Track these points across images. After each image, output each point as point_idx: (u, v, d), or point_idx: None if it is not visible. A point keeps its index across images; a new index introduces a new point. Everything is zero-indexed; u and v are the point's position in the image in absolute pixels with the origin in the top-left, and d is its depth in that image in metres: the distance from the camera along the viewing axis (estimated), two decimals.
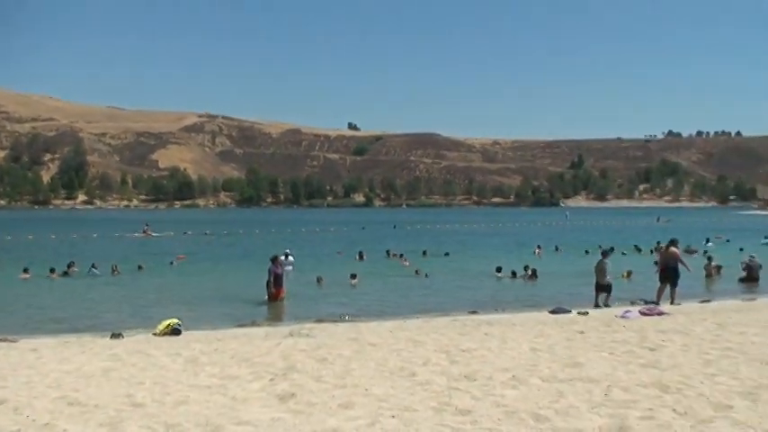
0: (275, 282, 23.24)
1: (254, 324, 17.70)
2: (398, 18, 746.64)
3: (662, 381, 7.27)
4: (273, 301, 22.89)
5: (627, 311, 17.34)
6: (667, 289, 22.21)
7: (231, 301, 23.27)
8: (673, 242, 23.97)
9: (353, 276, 28.56)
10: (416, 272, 31.64)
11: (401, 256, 39.95)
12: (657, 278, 22.63)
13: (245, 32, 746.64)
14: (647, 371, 8.02)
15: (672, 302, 21.45)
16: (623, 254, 42.89)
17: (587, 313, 18.23)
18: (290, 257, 33.59)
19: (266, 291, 23.15)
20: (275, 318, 20.22)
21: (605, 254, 23.79)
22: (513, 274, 31.11)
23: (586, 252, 43.88)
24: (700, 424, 5.64)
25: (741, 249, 42.13)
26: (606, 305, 21.47)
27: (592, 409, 6.47)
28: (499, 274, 30.97)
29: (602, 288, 22.31)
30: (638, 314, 17.03)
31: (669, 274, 22.46)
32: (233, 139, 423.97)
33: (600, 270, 22.66)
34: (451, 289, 27.23)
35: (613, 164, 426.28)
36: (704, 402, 6.23)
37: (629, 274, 31.08)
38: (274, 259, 24.37)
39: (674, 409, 6.06)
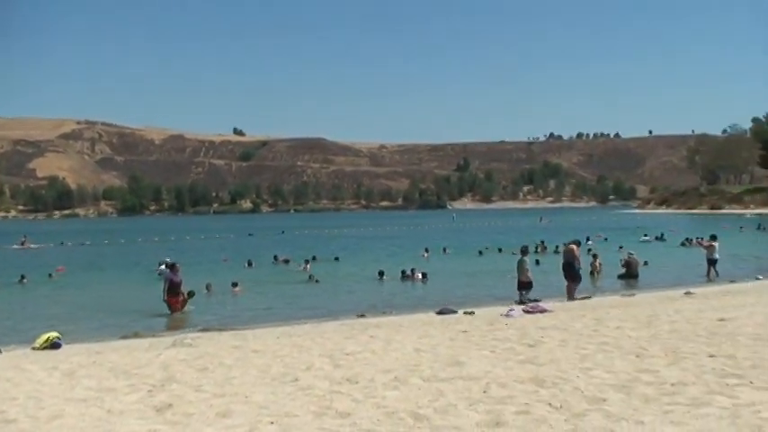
0: (171, 290, 22.58)
1: (136, 335, 17.23)
2: (282, 19, 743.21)
3: (539, 376, 7.38)
4: (172, 310, 22.24)
5: (511, 310, 17.59)
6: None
7: (114, 312, 22.64)
8: (574, 241, 25.22)
9: (235, 285, 28.22)
10: (309, 277, 31.52)
11: (287, 261, 39.91)
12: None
13: (124, 36, 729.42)
14: (525, 367, 8.14)
15: (570, 298, 22.47)
16: (513, 254, 43.80)
17: (473, 313, 18.47)
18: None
19: (163, 300, 22.51)
20: (159, 328, 19.74)
21: (524, 252, 24.96)
22: (403, 275, 31.36)
23: (480, 253, 44.82)
24: (574, 417, 5.73)
25: (621, 247, 43.54)
26: (529, 300, 21.88)
27: (470, 406, 6.52)
28: (382, 278, 31.16)
29: (524, 285, 23.22)
30: (522, 312, 17.32)
31: (569, 270, 23.34)
32: (113, 146, 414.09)
33: (521, 267, 23.54)
34: (341, 294, 27.23)
35: (498, 166, 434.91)
36: (579, 396, 6.35)
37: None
38: (172, 266, 23.77)
39: (549, 404, 6.16)
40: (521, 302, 21.61)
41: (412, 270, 31.85)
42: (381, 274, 31.63)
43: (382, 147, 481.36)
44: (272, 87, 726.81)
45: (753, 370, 7.02)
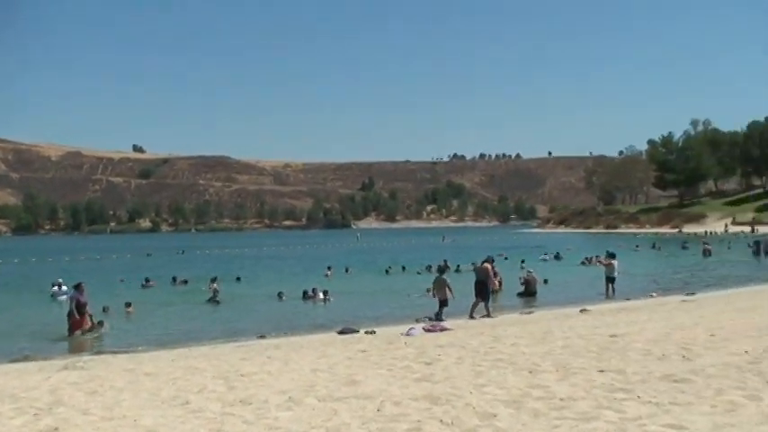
0: (78, 311, 21.86)
1: (27, 359, 16.68)
2: (181, 34, 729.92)
3: (433, 393, 7.41)
4: (76, 331, 21.56)
5: (411, 329, 17.65)
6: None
7: (4, 335, 21.87)
8: (488, 259, 25.72)
9: (128, 305, 27.69)
10: (213, 295, 31.12)
11: (185, 282, 39.40)
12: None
13: (19, 48, 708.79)
14: (420, 384, 8.16)
15: (488, 315, 22.98)
16: (418, 273, 44.35)
17: (374, 332, 18.49)
18: (63, 287, 32.16)
19: (67, 321, 21.81)
20: (52, 351, 19.13)
21: (442, 270, 25.58)
22: (305, 295, 31.25)
23: (386, 272, 45.14)
24: None
25: (523, 261, 44.36)
26: (438, 318, 22.25)
27: (362, 425, 6.50)
28: (281, 298, 31.03)
29: (442, 303, 23.45)
30: (422, 331, 17.40)
31: (480, 288, 23.81)
32: (8, 162, 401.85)
33: (439, 285, 23.91)
34: (242, 314, 26.93)
35: (402, 185, 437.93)
36: (471, 412, 6.39)
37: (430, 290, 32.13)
38: (77, 286, 23.02)
39: (441, 420, 6.18)
40: (438, 319, 21.96)
41: (314, 289, 31.75)
42: (280, 294, 31.46)
43: (287, 165, 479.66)
44: (174, 104, 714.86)
45: (641, 384, 7.20)
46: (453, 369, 9.19)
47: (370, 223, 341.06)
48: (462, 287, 24.95)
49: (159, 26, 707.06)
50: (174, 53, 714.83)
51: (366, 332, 18.78)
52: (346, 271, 47.50)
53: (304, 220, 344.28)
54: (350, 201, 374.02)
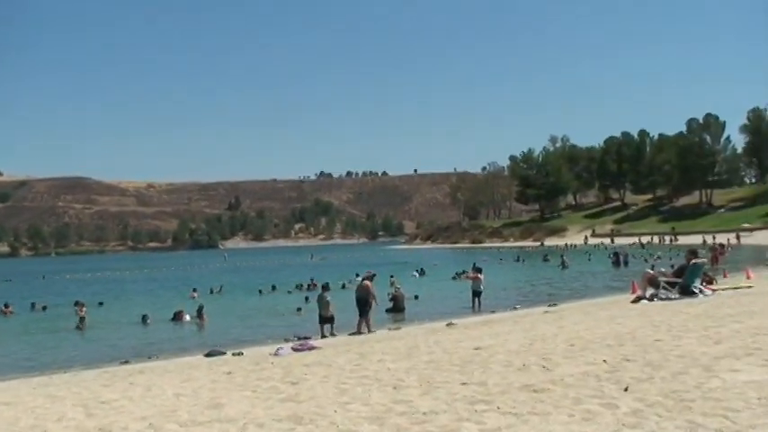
0: None
1: None
2: (39, 54, 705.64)
3: (297, 413, 7.35)
4: None
5: (280, 348, 17.51)
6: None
7: None
8: (367, 277, 26.21)
9: None
10: (80, 321, 30.17)
11: (44, 308, 38.14)
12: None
13: None
14: (285, 405, 8.08)
15: (368, 330, 23.43)
16: (289, 292, 44.24)
17: (242, 354, 18.25)
18: None
19: None
20: None
21: (325, 288, 25.61)
22: (174, 317, 30.75)
23: (260, 292, 44.73)
24: None
25: (392, 276, 44.73)
26: (332, 334, 23.05)
27: None
28: (145, 322, 30.39)
29: (326, 320, 23.86)
30: (291, 350, 17.28)
31: (361, 305, 24.14)
32: None
33: (323, 303, 24.26)
34: (105, 340, 26.19)
35: (270, 204, 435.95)
36: (334, 430, 6.38)
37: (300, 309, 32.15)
38: None
39: None
40: (323, 336, 22.68)
41: (180, 312, 31.22)
42: (144, 318, 30.77)
43: (150, 186, 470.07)
44: (32, 124, 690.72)
45: (501, 395, 7.31)
46: (319, 388, 9.14)
47: (237, 243, 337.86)
48: (340, 303, 25.22)
49: (13, 48, 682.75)
50: (33, 73, 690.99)
51: (233, 354, 18.52)
52: (211, 292, 46.82)
53: (169, 241, 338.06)
54: (216, 221, 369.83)
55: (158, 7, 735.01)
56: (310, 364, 12.28)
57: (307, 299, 36.41)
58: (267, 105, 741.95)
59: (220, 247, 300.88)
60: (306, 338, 21.01)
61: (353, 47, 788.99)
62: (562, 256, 67.03)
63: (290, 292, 44.96)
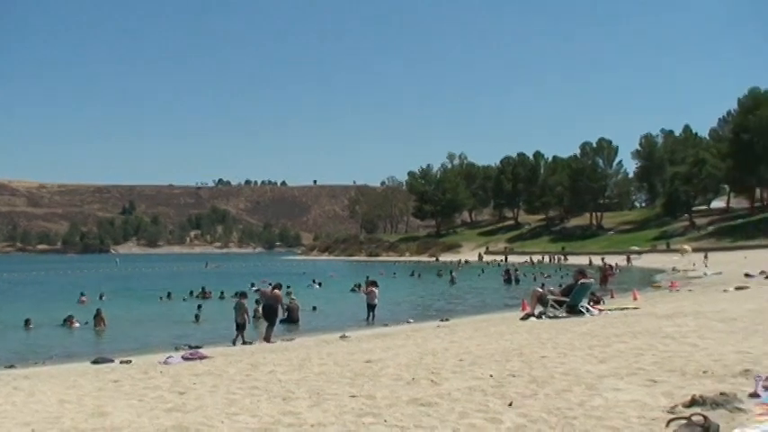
0: None
1: None
2: None
3: (183, 423, 7.24)
4: None
5: (170, 357, 17.25)
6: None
7: None
8: (277, 285, 26.74)
9: None
10: None
11: None
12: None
13: None
14: (171, 415, 7.96)
15: (267, 340, 23.43)
16: (184, 299, 43.71)
17: (130, 361, 17.90)
18: None
19: None
20: None
21: (242, 295, 25.99)
22: (64, 322, 30.08)
23: (161, 299, 44.25)
24: None
25: (288, 287, 44.54)
26: (245, 342, 23.36)
27: None
28: (28, 326, 29.59)
29: (240, 327, 24.29)
30: (181, 359, 17.03)
31: (269, 313, 24.54)
32: None
33: (239, 309, 24.65)
34: None
35: (165, 210, 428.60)
36: None
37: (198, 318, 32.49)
38: None
39: None
40: (234, 344, 23.13)
41: (70, 317, 30.50)
42: (27, 322, 29.91)
43: (41, 186, 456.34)
44: None
45: (388, 408, 7.37)
46: (207, 398, 9.03)
47: (130, 248, 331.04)
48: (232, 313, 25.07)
49: None
50: None
51: (121, 361, 18.15)
52: (100, 298, 45.75)
53: (59, 244, 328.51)
54: (109, 225, 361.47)
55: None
56: (200, 373, 12.12)
57: (199, 307, 35.89)
58: (165, 109, 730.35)
59: (112, 251, 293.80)
60: (197, 348, 20.75)
61: (253, 56, 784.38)
62: (451, 271, 68.17)
63: (185, 300, 44.40)
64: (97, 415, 8.40)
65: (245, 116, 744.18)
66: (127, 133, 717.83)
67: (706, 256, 76.46)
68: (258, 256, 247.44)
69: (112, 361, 18.65)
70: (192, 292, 47.18)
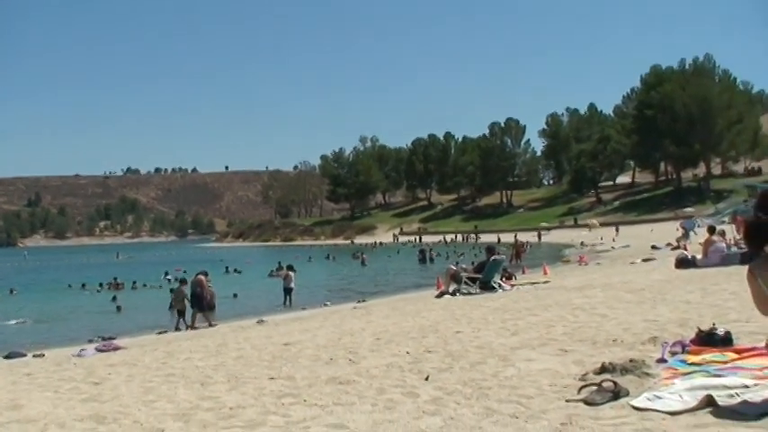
0: None
1: None
2: None
3: (100, 413, 7.17)
4: None
5: (83, 349, 16.97)
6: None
7: None
8: (202, 272, 26.63)
9: None
10: None
11: None
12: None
13: None
14: (87, 405, 7.86)
15: (190, 327, 24.05)
16: (98, 291, 43.15)
17: (43, 355, 17.54)
18: None
19: None
20: None
21: (182, 282, 26.83)
22: None
23: (70, 286, 43.72)
24: None
25: (206, 273, 44.19)
26: (190, 327, 23.93)
27: None
28: None
29: (180, 313, 25.09)
30: (95, 351, 16.78)
31: (194, 300, 24.82)
32: None
33: (179, 296, 25.78)
34: None
35: (73, 201, 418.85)
36: (138, 428, 6.29)
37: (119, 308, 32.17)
38: None
39: None
40: (177, 329, 23.84)
41: None
42: None
43: None
44: None
45: (308, 389, 7.43)
46: (123, 387, 8.94)
47: (37, 241, 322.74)
48: (150, 303, 24.94)
49: None
50: None
51: (34, 355, 17.76)
52: (11, 292, 44.66)
53: None
54: (15, 217, 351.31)
55: None
56: (115, 364, 11.97)
57: (114, 298, 35.42)
58: (70, 97, 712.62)
59: (20, 245, 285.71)
60: (110, 339, 20.46)
61: (161, 41, 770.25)
62: (361, 253, 68.61)
63: (98, 291, 43.74)
64: (11, 408, 8.25)
65: (152, 102, 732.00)
66: (30, 123, 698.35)
67: (617, 230, 78.60)
68: (171, 244, 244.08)
69: (25, 355, 18.23)
70: (101, 284, 46.41)
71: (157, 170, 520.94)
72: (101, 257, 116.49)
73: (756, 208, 4.73)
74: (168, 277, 50.92)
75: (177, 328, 23.98)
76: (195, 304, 24.76)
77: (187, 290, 25.56)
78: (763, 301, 4.69)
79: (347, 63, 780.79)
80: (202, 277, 25.82)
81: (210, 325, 23.79)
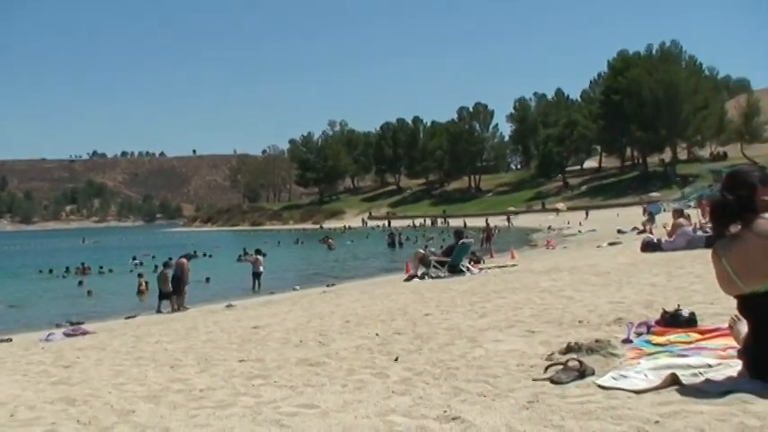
0: None
1: None
2: None
3: (70, 396, 7.18)
4: None
5: (51, 334, 16.97)
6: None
7: None
8: (185, 255, 27.62)
9: None
10: None
11: None
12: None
13: None
14: (56, 388, 7.87)
15: (180, 308, 24.48)
16: (64, 277, 42.96)
17: (11, 340, 17.46)
18: None
19: None
20: None
21: (167, 265, 26.63)
22: None
23: (40, 271, 43.68)
24: (102, 431, 5.68)
25: (170, 258, 44.08)
26: (183, 307, 24.43)
27: None
28: None
29: (165, 296, 25.12)
30: (63, 336, 16.75)
31: (178, 283, 25.26)
32: None
33: (163, 279, 25.67)
34: None
35: (38, 185, 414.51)
36: (108, 410, 6.29)
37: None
38: None
39: (78, 420, 6.02)
40: (158, 312, 24.06)
41: None
42: None
43: None
44: None
45: (278, 370, 7.48)
46: (92, 371, 8.95)
47: (3, 226, 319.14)
48: (117, 287, 24.89)
49: None
50: None
51: (1, 340, 17.66)
52: None
53: None
54: None
55: None
56: (84, 348, 11.96)
57: (80, 283, 35.22)
58: (35, 80, 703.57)
59: None
60: (79, 324, 20.37)
61: (128, 26, 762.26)
62: (328, 238, 68.83)
63: (64, 277, 43.45)
64: None
65: (118, 85, 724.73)
66: None
67: (587, 214, 79.31)
68: (138, 229, 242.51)
69: None
70: (68, 269, 46.09)
71: (124, 154, 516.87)
72: (67, 242, 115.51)
73: (723, 188, 4.82)
74: (136, 262, 50.64)
75: (159, 311, 24.30)
76: (174, 287, 25.16)
77: (170, 273, 25.78)
78: (726, 281, 4.79)
79: (316, 47, 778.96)
80: (184, 261, 26.30)
81: (179, 309, 24.18)
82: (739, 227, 4.67)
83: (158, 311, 24.12)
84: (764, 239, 4.52)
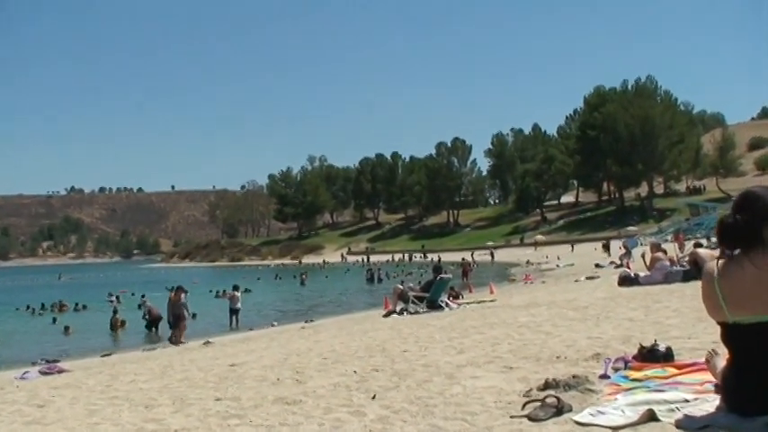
0: None
1: None
2: None
3: None
4: None
5: (26, 372, 16.80)
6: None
7: None
8: (178, 288, 27.60)
9: None
10: None
11: None
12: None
13: None
14: (30, 427, 7.77)
15: (177, 342, 24.51)
16: (40, 314, 42.50)
17: None
18: None
19: None
20: None
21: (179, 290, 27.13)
22: None
23: (17, 309, 43.46)
24: None
25: (143, 296, 43.79)
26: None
27: None
28: None
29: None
30: (38, 374, 16.58)
31: (171, 317, 25.83)
32: None
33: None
34: None
35: (15, 221, 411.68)
36: None
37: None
38: None
39: None
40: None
41: None
42: None
43: None
44: None
45: (254, 409, 7.40)
46: (67, 410, 8.83)
47: None
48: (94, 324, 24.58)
49: None
50: None
51: None
52: None
53: None
54: None
55: None
56: (59, 386, 11.81)
57: (54, 320, 34.86)
58: (10, 115, 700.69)
59: None
60: (55, 361, 20.16)
61: (107, 57, 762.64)
62: (301, 274, 68.83)
63: (40, 314, 42.99)
64: None
65: (96, 121, 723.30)
66: None
67: (573, 248, 79.95)
68: (116, 265, 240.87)
69: None
70: (43, 305, 45.64)
71: (102, 189, 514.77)
72: (43, 279, 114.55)
73: (734, 209, 4.70)
74: (112, 299, 50.26)
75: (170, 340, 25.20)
76: (175, 323, 25.84)
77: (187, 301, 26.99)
78: (713, 306, 4.72)
79: (294, 82, 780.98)
80: (180, 294, 26.93)
81: (180, 342, 24.64)
82: (739, 252, 4.58)
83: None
84: (761, 272, 4.44)
